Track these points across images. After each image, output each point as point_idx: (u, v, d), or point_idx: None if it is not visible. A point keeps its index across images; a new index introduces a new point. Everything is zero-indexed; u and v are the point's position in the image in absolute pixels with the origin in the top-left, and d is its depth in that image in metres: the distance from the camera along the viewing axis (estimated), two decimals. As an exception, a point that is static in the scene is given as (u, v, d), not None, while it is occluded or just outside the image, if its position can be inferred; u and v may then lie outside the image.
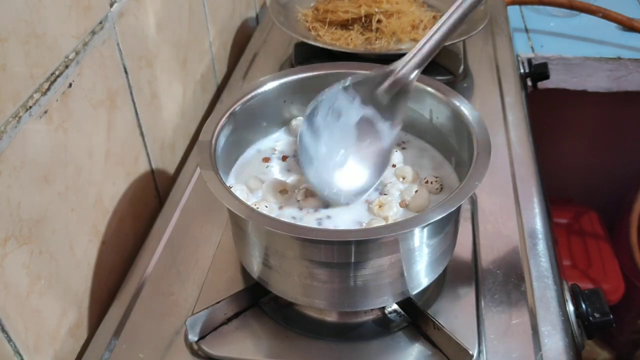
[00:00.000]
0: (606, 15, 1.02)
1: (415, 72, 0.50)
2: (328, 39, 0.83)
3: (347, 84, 0.51)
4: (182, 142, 0.77)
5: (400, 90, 0.51)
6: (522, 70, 0.91)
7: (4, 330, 0.45)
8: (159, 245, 0.61)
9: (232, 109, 0.53)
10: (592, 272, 1.20)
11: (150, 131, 0.67)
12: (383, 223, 0.48)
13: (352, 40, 0.82)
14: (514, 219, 0.62)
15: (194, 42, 0.79)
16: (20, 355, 0.47)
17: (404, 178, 0.53)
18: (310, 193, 0.51)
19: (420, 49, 0.50)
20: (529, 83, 0.91)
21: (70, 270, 0.53)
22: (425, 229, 0.45)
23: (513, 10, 1.13)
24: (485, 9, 0.83)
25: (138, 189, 0.65)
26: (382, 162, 0.53)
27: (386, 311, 0.53)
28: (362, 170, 0.52)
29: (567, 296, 0.55)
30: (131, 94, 0.62)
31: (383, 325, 0.52)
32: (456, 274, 0.55)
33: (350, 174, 0.52)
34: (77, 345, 0.55)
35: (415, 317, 0.51)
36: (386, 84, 0.51)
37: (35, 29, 0.46)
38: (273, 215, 0.49)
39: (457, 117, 0.52)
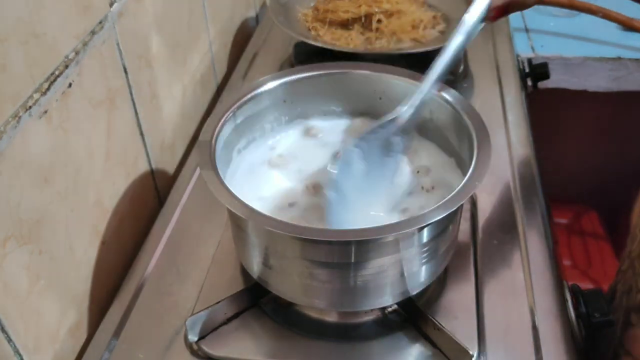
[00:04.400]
0: (606, 15, 1.02)
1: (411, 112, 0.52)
2: (328, 38, 0.83)
3: (362, 136, 0.52)
4: (182, 142, 0.77)
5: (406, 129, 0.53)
6: (522, 70, 0.90)
7: (3, 330, 0.45)
8: (159, 245, 0.61)
9: (232, 109, 0.53)
10: (592, 272, 1.19)
11: (150, 131, 0.67)
12: None
13: (352, 40, 0.82)
14: (514, 219, 0.62)
15: (194, 42, 0.79)
16: (20, 355, 0.47)
17: None
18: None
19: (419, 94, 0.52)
20: (529, 83, 0.91)
21: (70, 270, 0.53)
22: (426, 229, 0.45)
23: (513, 10, 1.13)
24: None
25: (138, 189, 0.65)
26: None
27: (386, 311, 0.53)
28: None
29: (567, 296, 0.55)
30: (131, 93, 0.62)
31: (383, 326, 0.52)
32: (456, 274, 0.55)
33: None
34: (77, 346, 0.55)
35: (416, 317, 0.51)
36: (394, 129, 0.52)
37: (35, 29, 0.46)
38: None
39: (457, 117, 0.52)
